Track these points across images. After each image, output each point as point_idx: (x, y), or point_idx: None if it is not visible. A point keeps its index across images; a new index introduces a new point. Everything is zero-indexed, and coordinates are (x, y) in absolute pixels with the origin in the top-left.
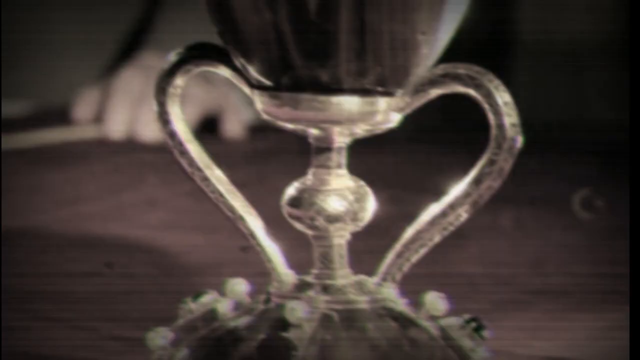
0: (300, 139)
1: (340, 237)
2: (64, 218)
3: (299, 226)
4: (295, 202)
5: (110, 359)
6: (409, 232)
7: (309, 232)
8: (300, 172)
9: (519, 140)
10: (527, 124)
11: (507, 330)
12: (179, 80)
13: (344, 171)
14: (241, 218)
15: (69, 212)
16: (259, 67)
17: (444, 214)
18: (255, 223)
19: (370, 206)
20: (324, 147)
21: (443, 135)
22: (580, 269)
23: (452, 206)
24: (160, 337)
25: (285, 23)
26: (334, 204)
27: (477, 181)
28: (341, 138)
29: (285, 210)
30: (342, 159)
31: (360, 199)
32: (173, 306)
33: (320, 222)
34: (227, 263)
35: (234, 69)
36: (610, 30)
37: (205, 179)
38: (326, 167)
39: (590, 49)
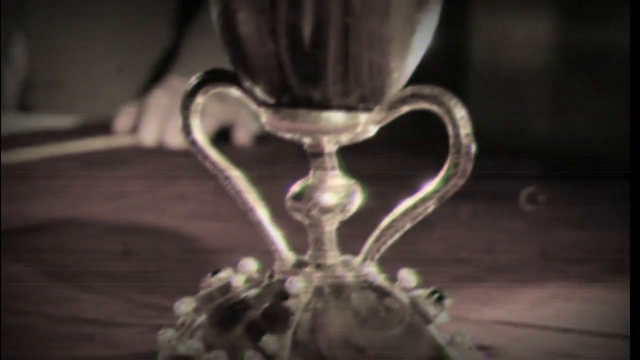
0: (297, 147)
1: (331, 225)
2: (110, 210)
3: (297, 216)
4: (297, 196)
5: (144, 323)
6: (386, 220)
7: (305, 221)
8: (297, 173)
9: (473, 147)
10: (480, 133)
11: (462, 300)
12: (199, 99)
13: (337, 172)
14: (253, 209)
15: (115, 204)
16: (263, 88)
17: (415, 206)
18: (263, 213)
19: (357, 200)
20: (317, 153)
21: (415, 143)
22: (524, 250)
23: (423, 200)
24: (184, 305)
25: (285, 53)
26: (327, 199)
27: (445, 180)
28: (329, 145)
29: (288, 203)
30: (334, 162)
31: (349, 194)
32: (196, 280)
33: (315, 213)
34: (241, 246)
35: (243, 89)
36: (545, 60)
37: (226, 177)
38: (323, 169)
39: (529, 73)
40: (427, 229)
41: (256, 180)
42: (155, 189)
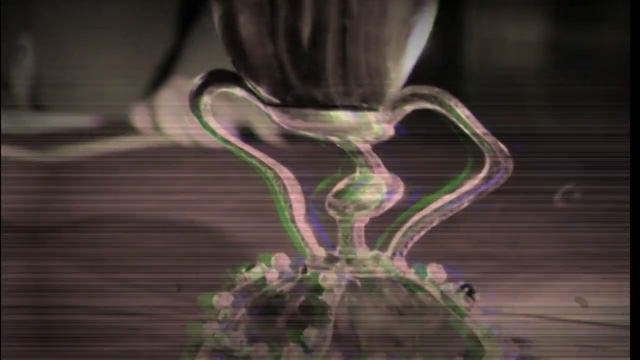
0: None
1: (361, 221)
2: (154, 207)
3: (331, 212)
4: (338, 193)
5: (186, 316)
6: (416, 217)
7: (337, 217)
8: (327, 171)
9: (503, 145)
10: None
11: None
12: (206, 99)
13: (382, 168)
14: (290, 206)
15: (159, 201)
16: (266, 88)
17: (451, 202)
18: (298, 210)
19: (395, 197)
20: (354, 151)
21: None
22: (548, 245)
23: (459, 197)
24: (223, 299)
25: (284, 54)
26: (367, 196)
27: (487, 178)
28: (359, 144)
29: (328, 199)
30: (374, 159)
31: (391, 191)
32: (231, 275)
33: (349, 209)
34: (275, 241)
35: (247, 89)
36: (538, 61)
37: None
38: (366, 166)
39: (521, 73)
40: (451, 225)
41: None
42: (197, 186)
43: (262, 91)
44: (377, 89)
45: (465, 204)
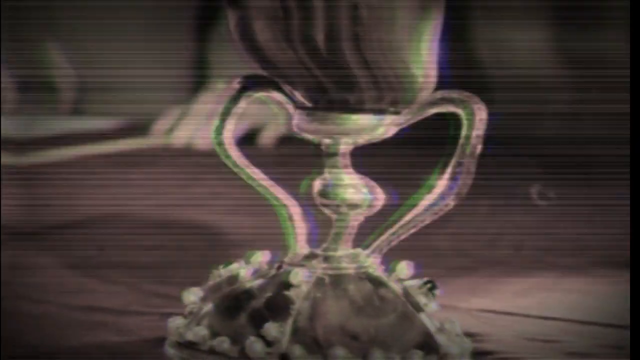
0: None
1: (356, 220)
2: (142, 206)
3: (327, 211)
4: (323, 194)
5: (155, 311)
6: (407, 216)
7: (334, 216)
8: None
9: (479, 148)
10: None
11: (454, 290)
12: (243, 103)
13: (351, 170)
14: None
15: (147, 201)
16: (302, 91)
17: (435, 202)
18: (291, 208)
19: (382, 196)
20: (334, 152)
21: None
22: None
23: (443, 196)
24: (192, 294)
25: (307, 58)
26: (353, 195)
27: (453, 178)
28: (346, 145)
29: (318, 200)
30: (348, 161)
31: (371, 191)
32: (209, 272)
33: (344, 208)
34: (263, 239)
35: (284, 94)
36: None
37: (250, 177)
38: (337, 167)
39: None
40: (442, 223)
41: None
42: (187, 187)
43: (297, 95)
44: (408, 94)
45: (450, 205)
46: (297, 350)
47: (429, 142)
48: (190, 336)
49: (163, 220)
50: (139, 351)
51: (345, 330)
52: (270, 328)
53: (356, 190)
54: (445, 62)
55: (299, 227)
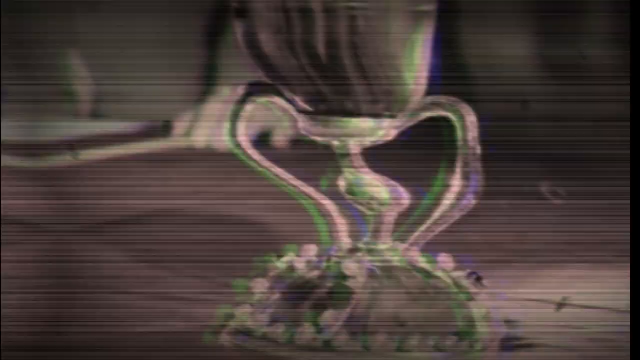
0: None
1: (390, 215)
2: (188, 203)
3: (361, 208)
4: (351, 192)
5: (222, 300)
6: (436, 213)
7: (367, 212)
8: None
9: (478, 148)
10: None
11: (498, 281)
12: (248, 107)
13: (367, 169)
14: (318, 202)
15: (195, 199)
16: (302, 98)
17: (457, 201)
18: (329, 205)
19: (405, 193)
20: (345, 153)
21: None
22: (548, 237)
23: (460, 195)
24: (259, 284)
25: (309, 68)
26: (381, 192)
27: (464, 177)
28: (355, 147)
29: (348, 197)
30: (361, 161)
31: (394, 188)
32: (265, 263)
33: (374, 205)
34: (303, 233)
35: (286, 99)
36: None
37: (276, 177)
38: (352, 167)
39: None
40: (470, 219)
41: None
42: (225, 186)
43: (298, 100)
44: (400, 99)
45: (472, 202)
46: (343, 336)
47: (429, 144)
48: (249, 323)
49: (211, 215)
50: (198, 338)
51: (397, 318)
52: (327, 315)
53: (380, 187)
54: (437, 68)
55: (338, 222)
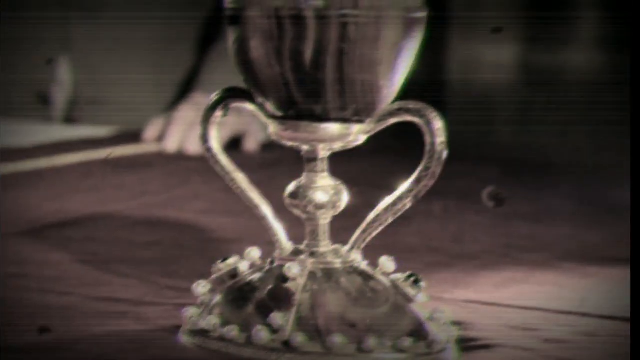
0: (296, 153)
1: (325, 219)
2: (135, 206)
3: (296, 212)
4: (293, 195)
5: (168, 302)
6: (371, 215)
7: (303, 216)
8: (296, 175)
9: (445, 153)
10: (454, 140)
11: (436, 283)
12: (219, 113)
13: (326, 174)
14: (257, 206)
15: (139, 202)
16: (273, 103)
17: (394, 203)
18: (267, 209)
19: (345, 198)
20: (312, 158)
21: (393, 150)
22: (486, 240)
23: (400, 198)
24: (201, 287)
25: (289, 74)
26: (320, 197)
27: (417, 181)
28: (323, 152)
29: (287, 201)
30: (325, 166)
31: (338, 193)
32: (209, 266)
33: (310, 209)
34: (247, 237)
35: (256, 104)
36: (510, 79)
37: (232, 179)
38: (314, 172)
39: (497, 88)
40: (405, 222)
41: (260, 181)
42: (174, 189)
43: (269, 106)
44: (369, 104)
45: (409, 204)
46: (300, 338)
47: (397, 149)
48: (203, 325)
49: (155, 218)
50: (156, 338)
51: (344, 319)
52: (276, 317)
53: (324, 192)
54: (416, 74)
55: (277, 226)
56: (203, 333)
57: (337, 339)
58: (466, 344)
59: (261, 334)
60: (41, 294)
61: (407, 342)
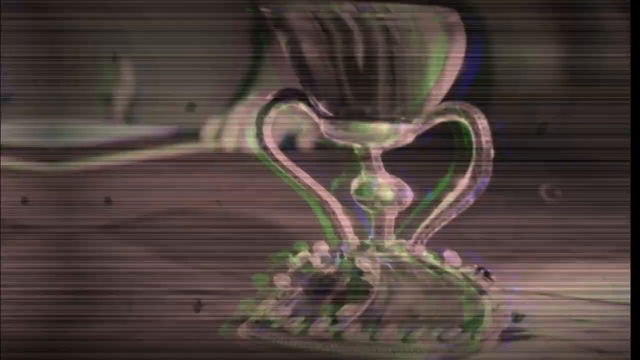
0: (348, 151)
1: (391, 214)
2: (206, 202)
3: (364, 207)
4: (359, 192)
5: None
6: (435, 211)
7: (370, 212)
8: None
9: (492, 152)
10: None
11: (502, 276)
12: (273, 113)
13: (384, 171)
14: (326, 202)
15: (210, 198)
16: (325, 104)
17: (457, 199)
18: (335, 205)
19: (409, 194)
20: (367, 156)
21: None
22: (546, 234)
23: (462, 194)
24: (282, 279)
25: (344, 76)
26: (386, 194)
27: (473, 178)
28: (375, 150)
29: (355, 197)
30: (380, 163)
31: (402, 189)
32: (279, 260)
33: (378, 205)
34: (314, 231)
35: (309, 105)
36: (552, 80)
37: (295, 177)
38: (372, 169)
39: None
40: (464, 216)
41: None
42: (241, 185)
43: (321, 106)
44: (417, 105)
45: (472, 200)
46: (354, 329)
47: (445, 148)
48: (272, 316)
49: (227, 213)
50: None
51: (410, 311)
52: (348, 309)
53: (389, 189)
54: (465, 76)
55: (343, 221)
56: (267, 324)
57: (388, 330)
58: (509, 334)
59: (320, 325)
60: (124, 285)
61: (454, 332)
